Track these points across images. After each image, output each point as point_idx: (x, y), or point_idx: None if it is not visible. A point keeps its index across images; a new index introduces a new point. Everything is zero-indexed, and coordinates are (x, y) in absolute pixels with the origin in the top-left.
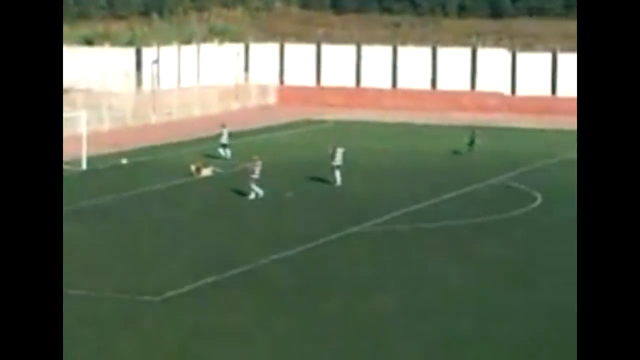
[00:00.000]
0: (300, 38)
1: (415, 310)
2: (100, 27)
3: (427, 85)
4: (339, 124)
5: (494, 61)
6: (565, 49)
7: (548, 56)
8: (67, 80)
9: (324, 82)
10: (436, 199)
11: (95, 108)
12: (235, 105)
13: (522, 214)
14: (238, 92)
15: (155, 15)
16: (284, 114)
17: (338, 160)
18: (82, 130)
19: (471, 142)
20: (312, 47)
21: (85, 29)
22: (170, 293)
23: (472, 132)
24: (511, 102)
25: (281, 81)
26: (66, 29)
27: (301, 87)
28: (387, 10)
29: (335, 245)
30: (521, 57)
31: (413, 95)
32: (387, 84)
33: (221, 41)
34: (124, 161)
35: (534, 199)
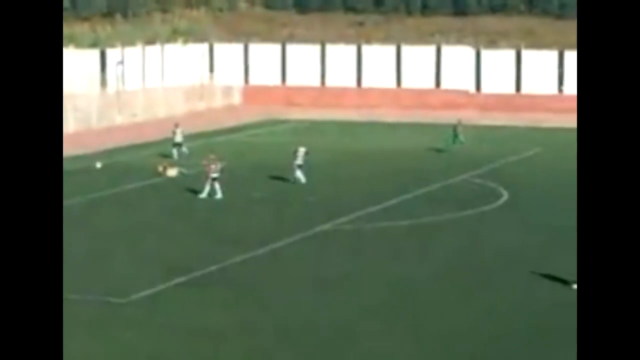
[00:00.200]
0: (264, 38)
1: (385, 308)
2: (63, 29)
3: (392, 84)
4: (304, 123)
5: (458, 59)
6: (529, 46)
7: (512, 53)
8: None
9: (289, 82)
10: (401, 197)
11: None
12: (200, 106)
13: (488, 211)
14: (203, 92)
15: (118, 16)
16: (249, 114)
17: (300, 159)
18: None
19: (455, 138)
20: (276, 47)
21: None
22: (138, 295)
23: (454, 128)
24: (476, 99)
25: (246, 81)
26: None
27: (266, 87)
28: (351, 9)
29: (302, 244)
30: (485, 54)
31: (378, 93)
32: (352, 83)
33: (185, 42)
34: (99, 165)
35: (500, 196)
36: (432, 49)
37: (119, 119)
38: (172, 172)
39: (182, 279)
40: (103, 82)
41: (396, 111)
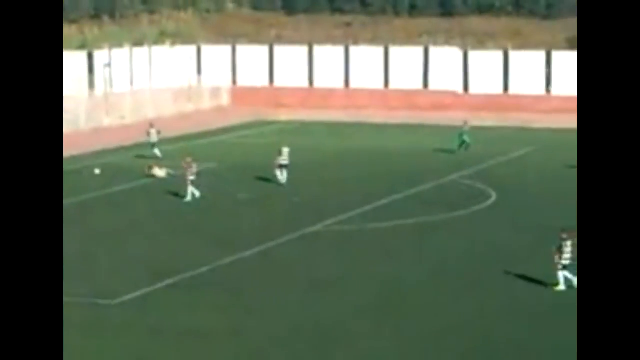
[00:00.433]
0: (252, 39)
1: (375, 309)
2: None
3: (380, 85)
4: (292, 124)
5: (446, 59)
6: (516, 47)
7: (500, 54)
8: None
9: (277, 83)
10: (390, 198)
11: None
12: (188, 107)
13: (477, 212)
14: (191, 94)
15: (106, 18)
16: (237, 115)
17: (284, 159)
18: None
19: (462, 141)
20: (264, 48)
21: None
22: (127, 297)
23: (461, 130)
24: (464, 100)
25: (234, 82)
26: None
27: (254, 88)
28: (339, 10)
29: (291, 245)
30: (473, 55)
31: (366, 94)
32: (339, 84)
33: (173, 43)
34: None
35: (489, 197)
36: (419, 50)
37: (107, 121)
38: (160, 172)
39: (171, 281)
40: (91, 84)
41: (384, 112)
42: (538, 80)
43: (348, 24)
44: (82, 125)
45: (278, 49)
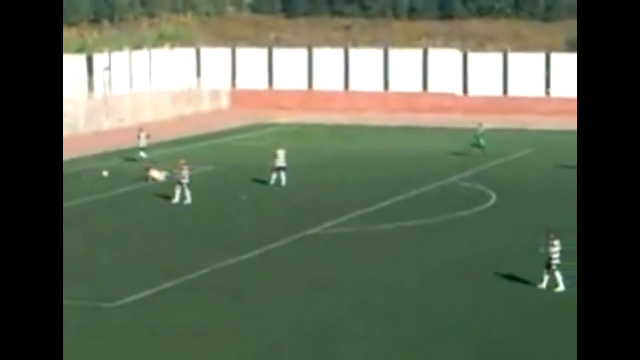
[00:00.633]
0: (251, 42)
1: (374, 310)
2: None
3: (379, 87)
4: (292, 126)
5: (445, 62)
6: (516, 49)
7: (499, 56)
8: None
9: (276, 86)
10: (391, 200)
11: None
12: (187, 110)
13: (477, 213)
14: (190, 96)
15: (105, 22)
16: (236, 118)
17: (280, 161)
18: None
19: (478, 142)
20: (263, 51)
21: None
22: (127, 299)
23: (476, 132)
24: (463, 102)
25: (233, 85)
26: None
27: (253, 91)
28: (338, 13)
29: (290, 248)
30: (472, 57)
31: (366, 97)
32: (339, 87)
33: (172, 46)
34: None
35: (489, 198)
36: (419, 52)
37: (107, 124)
38: (159, 175)
39: (171, 283)
40: (90, 87)
41: (384, 114)
42: (537, 82)
43: (347, 27)
44: (81, 128)
45: (277, 52)
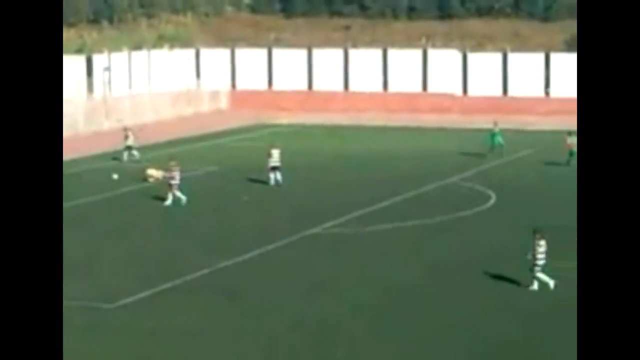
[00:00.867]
0: (250, 42)
1: (375, 311)
2: None
3: (379, 88)
4: (291, 127)
5: (444, 62)
6: (515, 49)
7: (498, 56)
8: None
9: (276, 86)
10: (390, 201)
11: None
12: (187, 111)
13: (477, 214)
14: (190, 97)
15: (104, 22)
16: (236, 119)
17: (275, 160)
18: None
19: (495, 142)
20: (263, 52)
21: None
22: (127, 300)
23: (492, 131)
24: (463, 102)
25: (233, 86)
26: None
27: (253, 92)
28: (337, 13)
29: (290, 248)
30: (472, 57)
31: (365, 97)
32: (339, 87)
33: (171, 47)
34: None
35: (488, 198)
36: (418, 52)
37: (106, 125)
38: (156, 173)
39: (170, 284)
40: (90, 88)
41: (383, 115)
42: (537, 82)
43: (347, 27)
44: (80, 128)
45: (277, 52)
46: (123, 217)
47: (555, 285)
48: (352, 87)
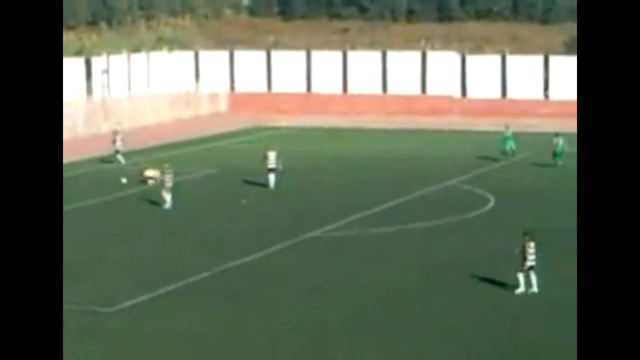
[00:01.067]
0: (249, 45)
1: (375, 314)
2: None
3: (378, 90)
4: (290, 129)
5: (443, 64)
6: (514, 51)
7: (497, 58)
8: None
9: (275, 89)
10: (388, 204)
11: None
12: (186, 113)
13: (475, 217)
14: (189, 99)
15: (103, 25)
16: (235, 121)
17: (271, 163)
18: None
19: (507, 147)
20: (262, 54)
21: None
22: (126, 303)
23: (504, 135)
24: (462, 104)
25: (232, 88)
26: None
27: (252, 94)
28: (336, 15)
29: (291, 251)
30: (471, 59)
31: (364, 100)
32: (337, 89)
33: (170, 49)
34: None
35: (487, 201)
36: (417, 54)
37: (105, 127)
38: (153, 173)
39: (170, 287)
40: (89, 90)
41: (382, 117)
42: (536, 84)
43: (345, 30)
44: (80, 131)
45: (275, 55)
46: (121, 220)
47: (540, 290)
48: (351, 89)
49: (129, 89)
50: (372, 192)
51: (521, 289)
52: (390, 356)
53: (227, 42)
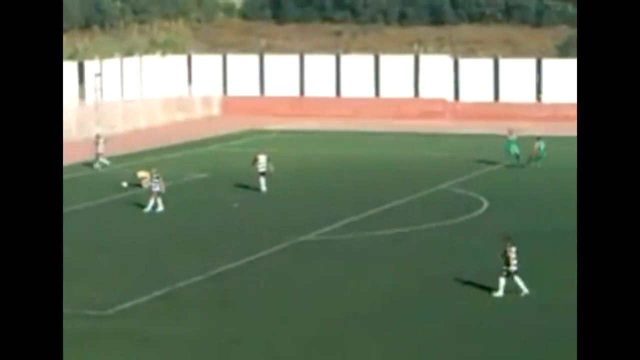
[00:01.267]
0: (242, 49)
1: (368, 317)
2: None
3: (370, 93)
4: (283, 133)
5: (436, 68)
6: (507, 55)
7: (490, 62)
8: None
9: (268, 92)
10: (382, 207)
11: None
12: (179, 117)
13: (468, 220)
14: (182, 103)
15: (96, 28)
16: (228, 125)
17: (262, 166)
18: None
19: (509, 151)
20: (254, 58)
21: None
22: (117, 307)
23: (508, 140)
24: (454, 108)
25: (225, 92)
26: None
27: (245, 98)
28: (329, 19)
29: (284, 254)
30: (463, 63)
31: (357, 103)
32: (330, 93)
33: (163, 53)
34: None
35: (480, 205)
36: (410, 58)
37: (98, 131)
38: (144, 174)
39: (160, 292)
40: (81, 94)
41: (375, 120)
42: (528, 88)
43: (338, 33)
44: (73, 134)
45: (268, 58)
46: (111, 225)
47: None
48: (344, 92)
49: (122, 92)
50: (365, 195)
51: (499, 293)
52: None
53: (220, 46)
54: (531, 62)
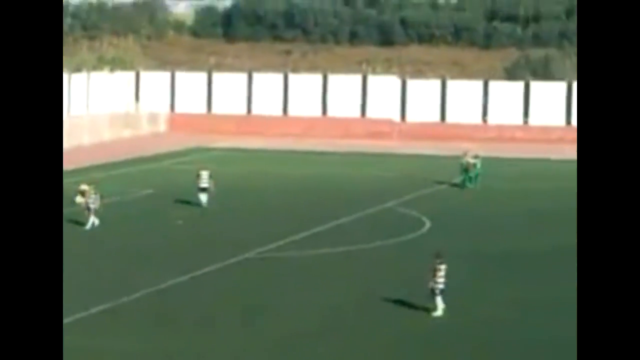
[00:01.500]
0: (191, 66)
1: (308, 337)
2: None
3: (317, 112)
4: (230, 151)
5: (384, 88)
6: (455, 76)
7: (437, 83)
8: None
9: (215, 110)
10: (325, 226)
11: None
12: (126, 133)
13: (411, 239)
14: (128, 120)
15: None
16: (174, 142)
17: (204, 182)
18: None
19: (469, 174)
20: (203, 75)
21: None
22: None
23: (463, 160)
24: (401, 128)
25: (172, 109)
26: None
27: (192, 115)
28: (279, 38)
29: (225, 272)
30: (411, 83)
31: (304, 122)
32: (278, 112)
33: (112, 70)
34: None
35: (423, 225)
36: (358, 78)
37: None
38: (87, 187)
39: (102, 307)
40: None
41: (322, 140)
42: (475, 109)
43: (288, 52)
44: None
45: (217, 76)
46: None
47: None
48: (292, 111)
49: (69, 108)
50: (309, 214)
51: (438, 312)
52: None
53: (170, 63)
54: (478, 84)
